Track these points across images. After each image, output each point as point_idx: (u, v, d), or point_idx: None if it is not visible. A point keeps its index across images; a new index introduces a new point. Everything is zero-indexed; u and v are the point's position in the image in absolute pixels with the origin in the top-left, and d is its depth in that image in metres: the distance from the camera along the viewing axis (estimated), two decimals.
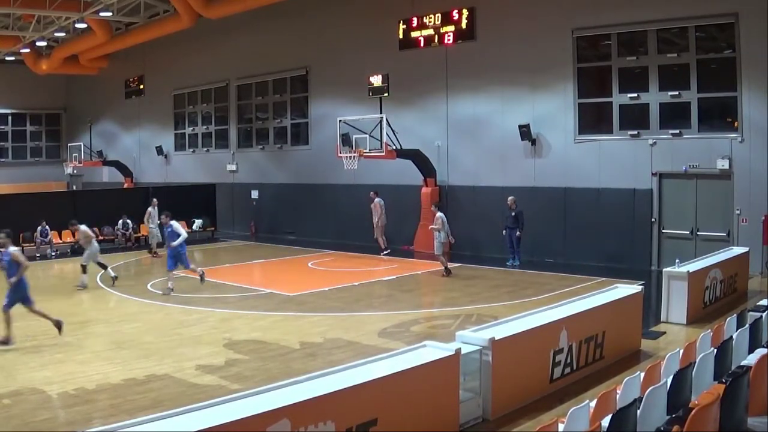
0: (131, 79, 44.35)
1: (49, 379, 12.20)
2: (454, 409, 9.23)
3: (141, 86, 43.76)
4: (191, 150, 40.34)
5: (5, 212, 28.82)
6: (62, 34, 39.30)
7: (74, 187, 46.59)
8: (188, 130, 40.54)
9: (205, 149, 39.41)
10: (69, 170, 44.93)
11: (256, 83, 35.87)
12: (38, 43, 41.00)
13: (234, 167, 37.00)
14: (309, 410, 7.43)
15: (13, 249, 15.04)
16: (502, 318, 12.11)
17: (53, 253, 28.95)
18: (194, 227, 34.08)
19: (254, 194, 35.35)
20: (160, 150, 41.53)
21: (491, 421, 9.68)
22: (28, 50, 42.19)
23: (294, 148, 34.14)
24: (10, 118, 50.98)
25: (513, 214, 23.72)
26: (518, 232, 23.78)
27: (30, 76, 46.04)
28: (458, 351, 9.27)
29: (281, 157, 34.75)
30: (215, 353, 13.66)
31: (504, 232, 24.30)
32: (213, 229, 34.98)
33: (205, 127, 39.48)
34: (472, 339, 9.91)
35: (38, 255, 28.22)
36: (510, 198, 23.89)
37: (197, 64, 38.62)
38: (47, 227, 29.52)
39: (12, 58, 45.37)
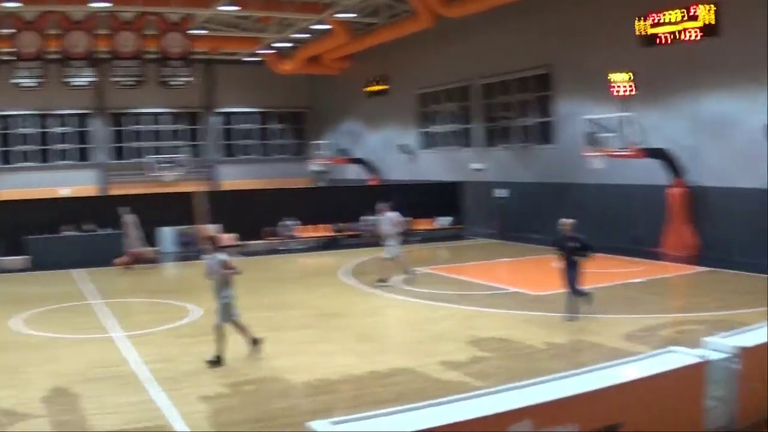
0: (374, 79, 45.51)
1: (293, 369, 12.80)
2: (699, 417, 9.02)
3: (384, 85, 44.83)
4: (436, 148, 41.08)
5: (252, 207, 30.88)
6: (303, 36, 41.03)
7: (319, 184, 48.59)
8: (433, 129, 41.30)
9: (450, 148, 40.00)
10: (315, 167, 46.98)
11: (498, 82, 36.02)
12: (279, 45, 43.13)
13: (479, 166, 37.30)
14: (552, 411, 7.44)
15: None
16: (753, 325, 11.69)
17: (298, 247, 30.42)
18: (441, 225, 34.85)
19: (499, 193, 35.50)
20: (405, 148, 42.55)
21: (738, 431, 9.43)
22: (270, 51, 44.38)
23: (539, 147, 33.97)
24: (256, 116, 54.13)
25: (576, 244, 17.04)
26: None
27: (275, 75, 48.50)
28: (705, 358, 9.06)
29: (526, 156, 34.71)
30: (459, 350, 13.90)
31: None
32: (459, 227, 35.53)
33: (449, 125, 40.07)
34: (719, 346, 9.60)
35: (282, 248, 29.70)
36: (567, 221, 17.68)
37: (439, 63, 39.24)
38: (291, 222, 31.12)
39: (253, 59, 47.92)
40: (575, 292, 16.73)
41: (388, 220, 22.29)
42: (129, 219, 26.90)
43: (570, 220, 17.48)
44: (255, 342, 13.90)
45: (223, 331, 13.55)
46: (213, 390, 11.83)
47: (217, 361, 13.27)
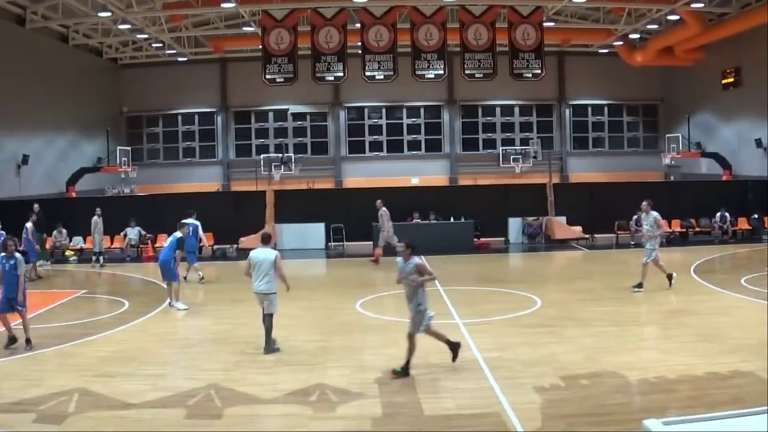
0: (728, 71, 43.60)
1: (631, 365, 12.85)
2: None
3: (738, 78, 42.81)
4: None
5: (600, 199, 31.20)
6: (655, 26, 40.37)
7: (671, 178, 47.49)
8: None
9: None
10: (667, 161, 46.00)
11: None
12: (631, 36, 42.74)
13: None
14: None
15: None
16: None
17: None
18: None
19: None
20: (759, 143, 40.53)
21: None
22: (621, 43, 44.07)
23: None
24: (606, 108, 53.77)
25: None
26: None
27: (625, 67, 47.93)
28: None
29: None
30: None
31: None
32: None
33: None
34: None
35: (632, 243, 29.43)
36: None
37: None
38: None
39: (606, 51, 47.77)
40: None
41: (651, 219, 20.95)
42: (384, 213, 27.41)
43: None
44: (452, 346, 13.26)
45: (414, 341, 12.88)
46: (548, 382, 12.18)
47: (404, 372, 12.71)
